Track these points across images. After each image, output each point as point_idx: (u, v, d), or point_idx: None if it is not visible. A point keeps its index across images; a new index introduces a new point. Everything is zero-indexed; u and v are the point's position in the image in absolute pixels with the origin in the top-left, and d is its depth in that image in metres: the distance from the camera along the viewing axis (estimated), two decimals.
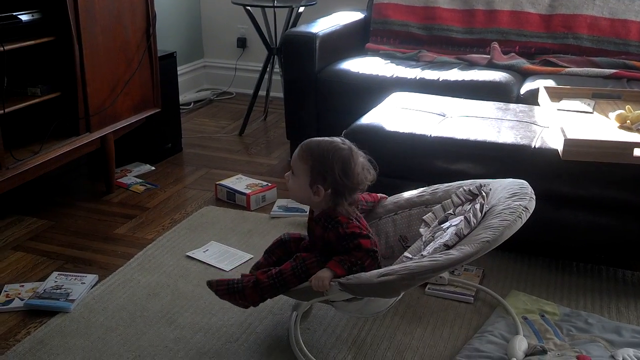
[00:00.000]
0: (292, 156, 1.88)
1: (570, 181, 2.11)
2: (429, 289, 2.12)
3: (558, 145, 2.13)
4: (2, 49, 2.35)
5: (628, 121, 2.26)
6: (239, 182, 2.86)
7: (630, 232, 2.14)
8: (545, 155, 2.15)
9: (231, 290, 1.79)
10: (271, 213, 2.69)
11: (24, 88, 2.59)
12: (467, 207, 1.85)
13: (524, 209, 1.74)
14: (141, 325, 1.95)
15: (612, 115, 2.33)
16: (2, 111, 2.37)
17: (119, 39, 2.86)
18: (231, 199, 2.79)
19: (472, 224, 1.75)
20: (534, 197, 1.81)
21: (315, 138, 1.85)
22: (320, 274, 1.71)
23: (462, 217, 1.79)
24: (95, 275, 2.20)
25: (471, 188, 1.93)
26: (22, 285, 2.14)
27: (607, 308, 2.05)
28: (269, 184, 2.86)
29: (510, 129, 2.32)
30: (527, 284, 2.16)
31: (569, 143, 2.07)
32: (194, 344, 1.87)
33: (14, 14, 2.46)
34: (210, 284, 1.83)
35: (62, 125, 2.69)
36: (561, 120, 2.24)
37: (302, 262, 1.76)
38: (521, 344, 1.81)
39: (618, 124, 2.29)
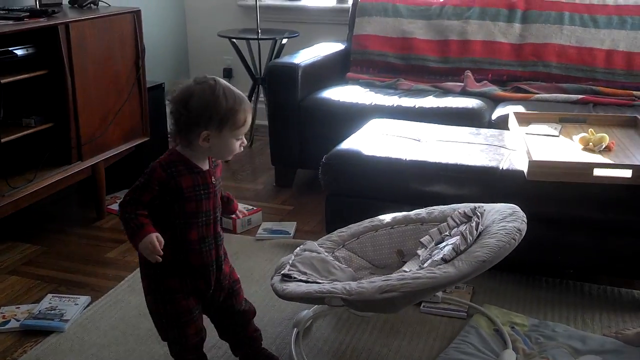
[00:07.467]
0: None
1: (536, 200, 2.23)
2: (423, 306, 2.22)
3: (524, 167, 2.26)
4: None
5: (590, 143, 2.40)
6: None
7: (594, 247, 2.27)
8: (512, 176, 2.28)
9: None
10: (257, 235, 2.80)
11: (19, 119, 2.69)
12: (463, 227, 1.96)
13: (517, 230, 1.84)
14: (132, 342, 2.05)
15: (576, 138, 2.48)
16: None
17: (109, 71, 2.99)
18: None
19: (469, 240, 1.85)
20: (525, 220, 1.91)
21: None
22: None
23: (458, 236, 1.89)
24: (88, 296, 2.30)
25: (466, 210, 2.05)
26: (18, 307, 2.24)
27: (574, 319, 2.17)
28: (255, 208, 2.98)
29: (480, 152, 2.46)
30: (499, 298, 2.28)
31: (533, 164, 2.21)
32: None
33: (10, 49, 2.59)
34: None
35: (55, 155, 2.80)
36: (528, 143, 2.37)
37: None
38: (511, 358, 1.92)
39: (581, 146, 2.43)
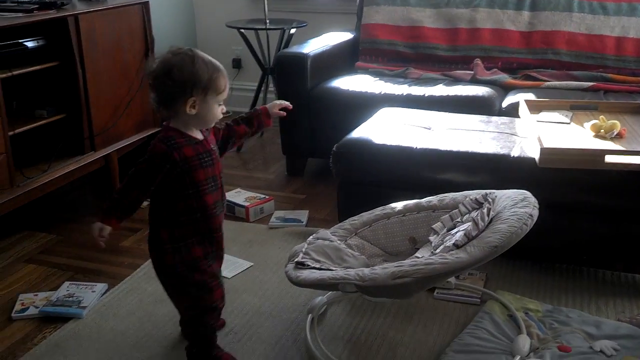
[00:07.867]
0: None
1: (548, 187, 2.23)
2: (437, 293, 2.24)
3: (535, 154, 2.27)
4: (10, 74, 2.50)
5: (602, 130, 2.41)
6: (238, 196, 2.99)
7: (607, 233, 2.27)
8: (523, 163, 2.29)
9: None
10: (269, 224, 2.82)
11: (32, 110, 2.73)
12: (474, 213, 1.98)
13: (529, 216, 1.85)
14: (149, 328, 2.08)
15: (588, 125, 2.49)
16: (12, 132, 2.51)
17: (119, 62, 3.01)
18: (231, 212, 2.91)
19: (480, 226, 1.86)
20: (537, 205, 1.92)
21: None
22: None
23: (470, 222, 1.90)
24: (104, 284, 2.33)
25: (477, 197, 2.06)
26: (36, 295, 2.27)
27: (587, 305, 2.18)
28: (267, 197, 3.00)
29: (491, 140, 2.46)
30: (512, 285, 2.30)
31: (545, 151, 2.22)
32: None
33: (20, 41, 2.61)
34: None
35: (68, 145, 2.83)
36: (539, 131, 2.38)
37: None
38: (525, 342, 1.93)
39: (593, 133, 2.43)
